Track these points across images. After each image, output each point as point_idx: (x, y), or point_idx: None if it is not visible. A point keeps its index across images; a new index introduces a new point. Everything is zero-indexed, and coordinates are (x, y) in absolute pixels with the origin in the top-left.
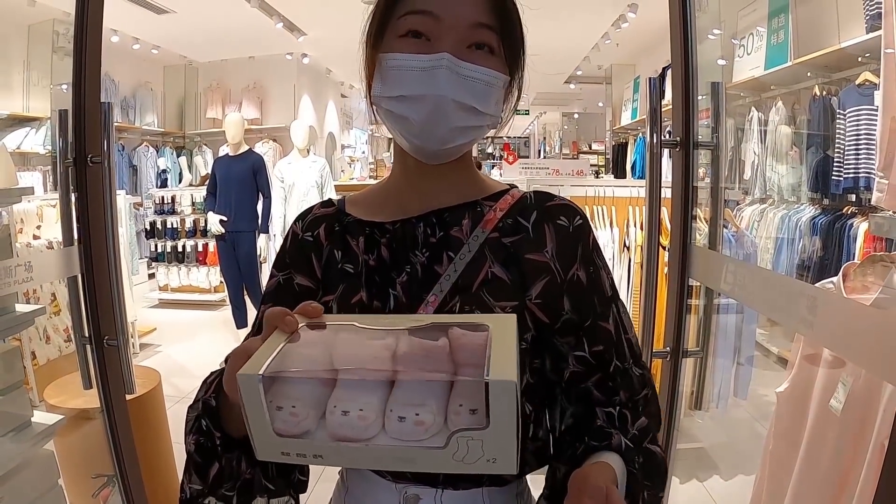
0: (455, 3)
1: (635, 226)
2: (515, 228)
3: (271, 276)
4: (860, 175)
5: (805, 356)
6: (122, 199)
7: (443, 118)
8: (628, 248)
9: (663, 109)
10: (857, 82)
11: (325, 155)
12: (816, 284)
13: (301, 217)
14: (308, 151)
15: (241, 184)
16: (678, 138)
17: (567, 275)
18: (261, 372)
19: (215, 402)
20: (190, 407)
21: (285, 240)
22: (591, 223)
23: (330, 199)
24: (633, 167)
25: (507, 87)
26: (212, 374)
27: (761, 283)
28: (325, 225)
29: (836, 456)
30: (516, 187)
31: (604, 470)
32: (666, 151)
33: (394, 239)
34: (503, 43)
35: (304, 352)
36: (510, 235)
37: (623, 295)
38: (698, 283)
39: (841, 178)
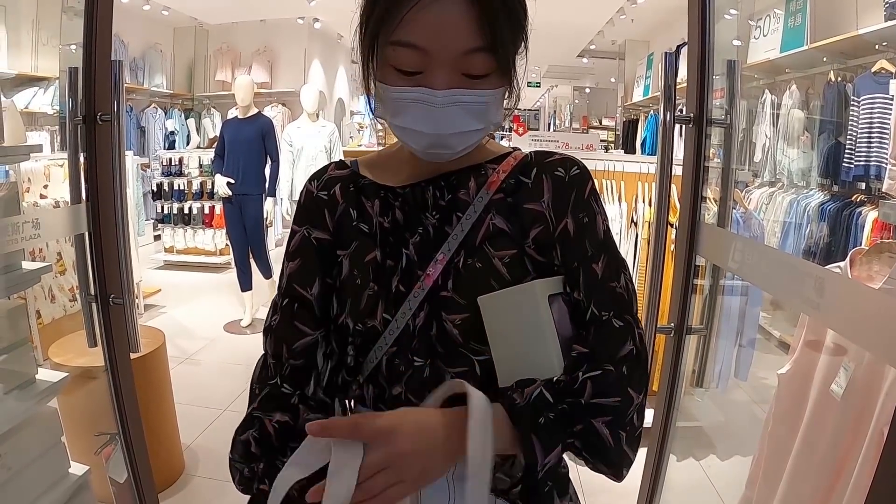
0: (441, 34)
1: (644, 201)
2: (517, 186)
3: (293, 232)
4: (871, 163)
5: (808, 339)
6: (130, 160)
7: (444, 148)
8: (636, 224)
9: (677, 87)
10: (872, 70)
11: (334, 120)
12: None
13: (315, 177)
14: (317, 116)
15: (249, 147)
16: (691, 114)
17: (559, 224)
18: None
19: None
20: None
21: (300, 197)
22: (591, 175)
23: (343, 161)
24: (643, 144)
25: (508, 86)
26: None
27: (769, 263)
28: (340, 185)
29: (834, 440)
30: (519, 149)
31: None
32: (677, 129)
33: (406, 202)
34: (498, 55)
35: None
36: (512, 193)
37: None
38: (704, 263)
39: (852, 166)
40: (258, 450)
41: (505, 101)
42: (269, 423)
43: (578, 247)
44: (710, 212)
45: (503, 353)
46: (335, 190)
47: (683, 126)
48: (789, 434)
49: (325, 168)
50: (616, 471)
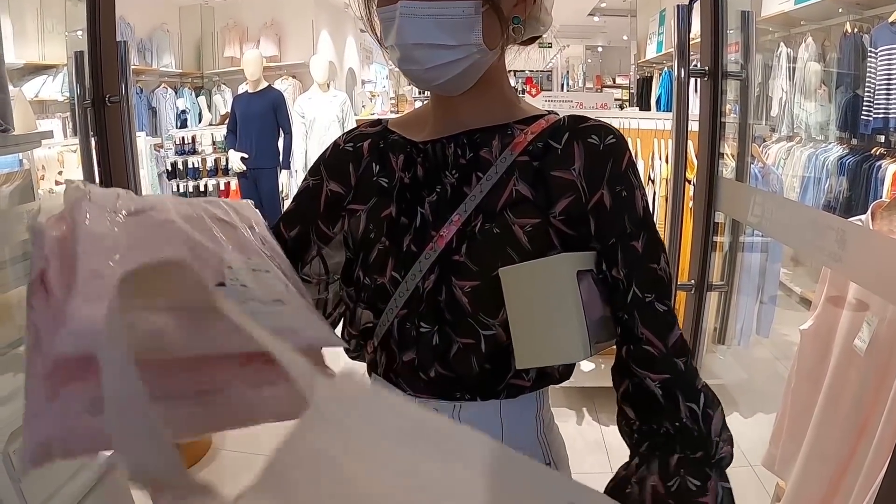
0: None
1: (660, 159)
2: (545, 151)
3: (303, 180)
4: (890, 115)
5: (830, 294)
6: (143, 141)
7: (414, 62)
8: (653, 182)
9: (691, 42)
10: (889, 20)
11: (345, 90)
12: None
13: (347, 132)
14: (328, 86)
15: (261, 121)
16: (707, 68)
17: (593, 196)
18: None
19: None
20: None
21: (325, 150)
22: (629, 145)
23: (378, 120)
24: (657, 101)
25: (486, 12)
26: None
27: (790, 216)
28: (369, 140)
29: (858, 396)
30: (555, 113)
31: None
32: (692, 85)
33: (426, 158)
34: None
35: None
36: (540, 158)
37: None
38: (723, 219)
39: (870, 119)
40: None
41: (502, 31)
42: None
43: (617, 222)
44: (727, 167)
45: (523, 331)
46: (363, 144)
47: (698, 81)
48: (813, 390)
49: (357, 126)
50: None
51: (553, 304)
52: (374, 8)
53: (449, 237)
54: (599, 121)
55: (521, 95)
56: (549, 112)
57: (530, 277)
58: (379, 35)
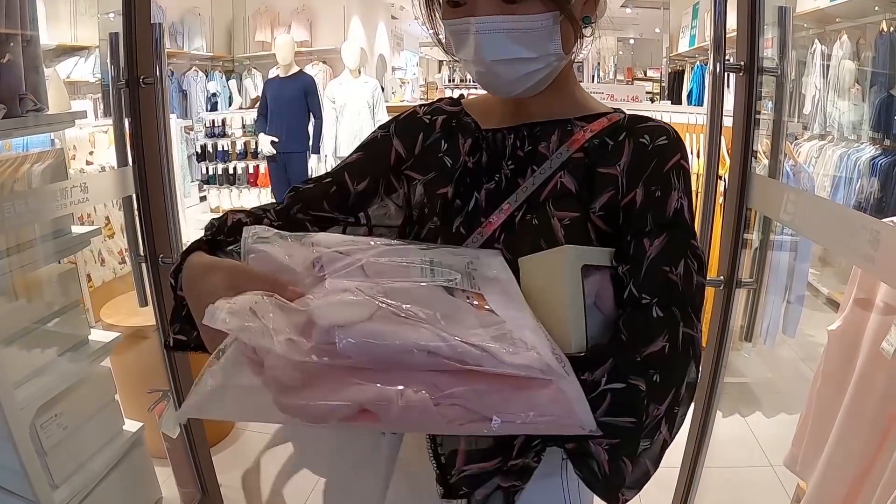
0: None
1: (692, 153)
2: (600, 148)
3: (370, 134)
4: None
5: (859, 296)
6: (174, 124)
7: (494, 77)
8: None
9: (727, 36)
10: None
11: (375, 76)
12: None
13: (428, 104)
14: (359, 72)
15: (292, 105)
16: (742, 62)
17: (629, 193)
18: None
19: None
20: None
21: (400, 113)
22: (684, 149)
23: (456, 99)
24: (689, 95)
25: (561, 19)
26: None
27: (823, 215)
28: (445, 117)
29: (883, 399)
30: (620, 111)
31: None
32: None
33: (488, 147)
34: None
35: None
36: (593, 155)
37: None
38: (753, 217)
39: None
40: (208, 232)
41: (574, 33)
42: (231, 215)
43: (639, 220)
44: (759, 164)
45: None
46: (438, 119)
47: (732, 76)
48: (838, 392)
49: (440, 99)
50: (607, 497)
51: (552, 294)
52: (438, 17)
53: (497, 224)
54: (660, 122)
55: None
56: (615, 110)
57: (539, 267)
58: (444, 44)
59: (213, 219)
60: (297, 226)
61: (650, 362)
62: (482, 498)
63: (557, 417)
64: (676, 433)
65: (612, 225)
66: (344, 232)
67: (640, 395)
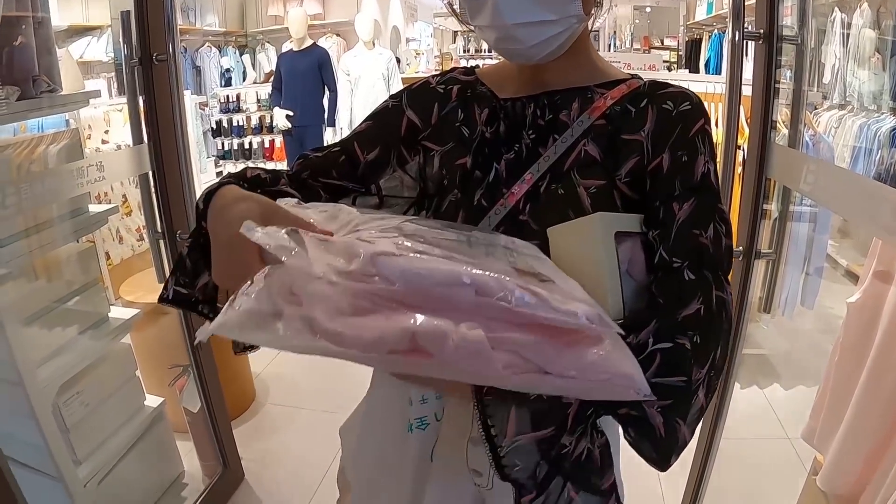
0: None
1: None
2: (622, 115)
3: (381, 103)
4: None
5: (879, 268)
6: (188, 100)
7: (515, 41)
8: None
9: (745, 4)
10: None
11: (389, 48)
12: None
13: (441, 74)
14: (373, 44)
15: (306, 78)
16: (761, 30)
17: (655, 159)
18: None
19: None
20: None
21: (412, 83)
22: (707, 114)
23: (470, 68)
24: (706, 64)
25: None
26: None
27: (843, 185)
28: (459, 86)
29: None
30: (639, 77)
31: None
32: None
33: (507, 116)
34: None
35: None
36: (616, 122)
37: None
38: (772, 187)
39: None
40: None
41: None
42: (249, 170)
43: (667, 184)
44: (779, 133)
45: None
46: (453, 88)
47: (751, 44)
48: (856, 364)
49: (452, 69)
50: (661, 462)
51: (586, 262)
52: None
53: (520, 195)
54: (681, 87)
55: None
56: (633, 76)
57: (570, 236)
58: (458, 13)
59: (230, 172)
60: (309, 191)
61: (688, 324)
62: (535, 476)
63: (612, 377)
64: (711, 399)
65: (638, 191)
66: (353, 203)
67: (687, 354)
